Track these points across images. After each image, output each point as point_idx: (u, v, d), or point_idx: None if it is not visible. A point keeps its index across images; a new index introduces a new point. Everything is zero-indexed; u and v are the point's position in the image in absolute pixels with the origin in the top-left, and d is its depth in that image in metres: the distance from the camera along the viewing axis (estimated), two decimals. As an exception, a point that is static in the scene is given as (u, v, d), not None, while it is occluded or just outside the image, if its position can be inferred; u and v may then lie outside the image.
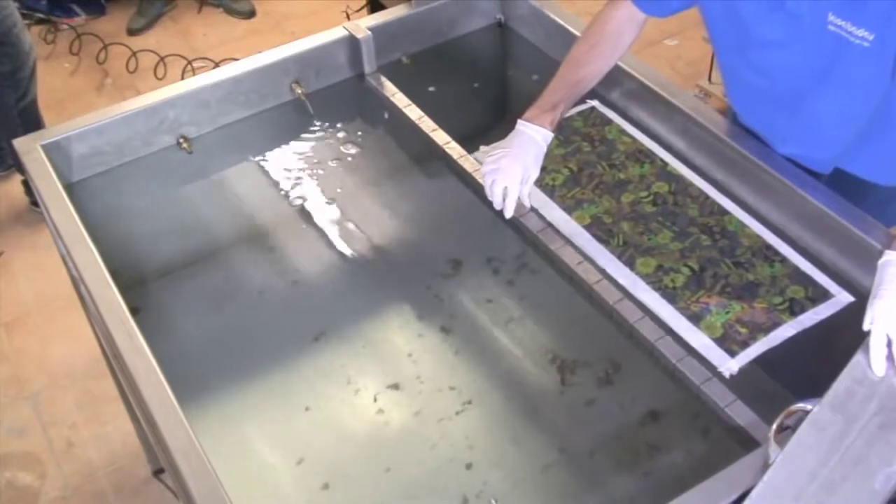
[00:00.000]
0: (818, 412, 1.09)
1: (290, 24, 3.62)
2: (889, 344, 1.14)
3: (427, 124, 1.69)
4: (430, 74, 1.83)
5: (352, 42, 1.78)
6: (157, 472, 2.16)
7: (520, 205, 1.46)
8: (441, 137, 1.66)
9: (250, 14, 3.69)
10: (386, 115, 1.76)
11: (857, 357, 1.14)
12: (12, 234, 2.80)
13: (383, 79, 1.79)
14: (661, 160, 1.61)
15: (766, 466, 1.06)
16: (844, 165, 1.49)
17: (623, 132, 1.67)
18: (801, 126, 1.44)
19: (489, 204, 1.46)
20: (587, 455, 1.25)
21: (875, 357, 1.13)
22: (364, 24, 1.79)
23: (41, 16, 3.59)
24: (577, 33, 1.74)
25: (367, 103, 1.82)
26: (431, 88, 1.82)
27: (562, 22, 1.79)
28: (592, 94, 1.74)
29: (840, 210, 1.40)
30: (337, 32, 1.79)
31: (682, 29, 3.41)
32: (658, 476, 1.21)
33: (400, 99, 1.74)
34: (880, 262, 1.24)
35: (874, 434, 1.06)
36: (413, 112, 1.71)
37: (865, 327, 1.16)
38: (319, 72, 1.78)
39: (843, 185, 1.46)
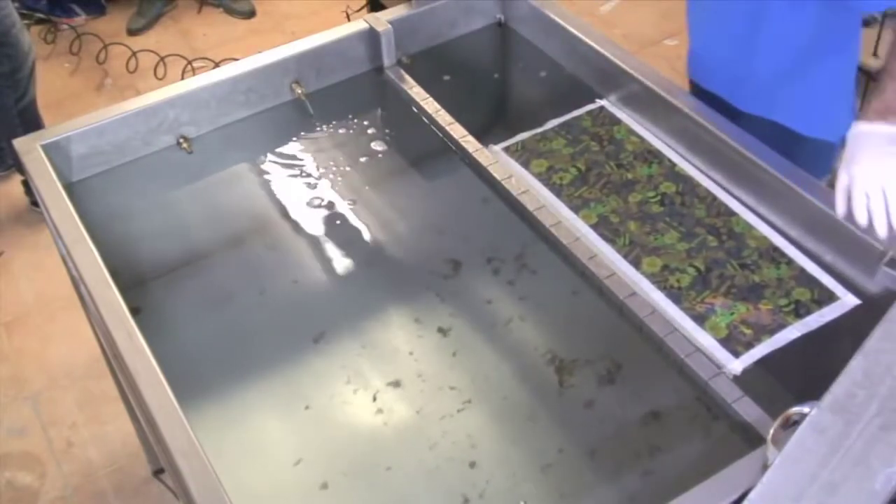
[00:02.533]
0: (817, 415, 1.08)
1: (290, 24, 3.62)
2: (868, 199, 1.31)
3: (443, 118, 1.69)
4: (429, 75, 1.83)
5: (366, 36, 1.78)
6: (157, 472, 2.16)
7: (533, 199, 1.49)
8: (457, 132, 1.67)
9: (250, 14, 3.69)
10: (390, 112, 1.76)
11: (857, 359, 1.14)
12: (12, 234, 2.80)
13: (401, 72, 1.80)
14: (669, 160, 1.61)
15: (765, 468, 1.06)
16: (771, 114, 1.58)
17: (631, 132, 1.67)
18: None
19: (493, 203, 1.46)
20: (588, 454, 1.25)
21: (857, 208, 1.32)
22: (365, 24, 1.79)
23: (41, 16, 3.59)
24: (577, 33, 1.75)
25: (370, 99, 1.82)
26: (431, 89, 1.82)
27: (562, 22, 1.79)
28: (597, 94, 1.75)
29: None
30: (347, 28, 1.79)
31: (682, 29, 3.41)
32: (662, 474, 1.21)
33: (417, 92, 1.75)
34: (851, 132, 1.35)
35: (875, 435, 1.06)
36: (430, 105, 1.72)
37: (840, 191, 1.32)
38: (321, 70, 1.78)
39: (775, 138, 1.54)
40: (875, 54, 2.42)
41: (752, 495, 1.02)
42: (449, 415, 1.29)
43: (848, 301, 1.37)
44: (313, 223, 1.58)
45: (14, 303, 2.61)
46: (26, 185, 2.77)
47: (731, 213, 1.51)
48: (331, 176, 1.66)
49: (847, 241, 1.39)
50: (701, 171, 1.59)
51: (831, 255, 1.42)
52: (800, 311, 1.36)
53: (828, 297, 1.38)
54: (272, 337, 1.42)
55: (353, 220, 1.58)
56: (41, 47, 3.42)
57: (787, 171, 1.46)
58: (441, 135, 1.69)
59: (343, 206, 1.60)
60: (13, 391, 2.38)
